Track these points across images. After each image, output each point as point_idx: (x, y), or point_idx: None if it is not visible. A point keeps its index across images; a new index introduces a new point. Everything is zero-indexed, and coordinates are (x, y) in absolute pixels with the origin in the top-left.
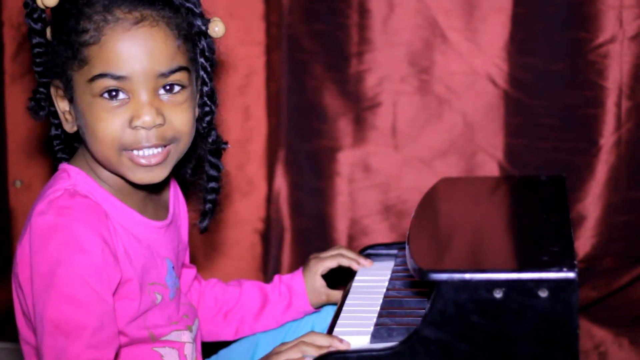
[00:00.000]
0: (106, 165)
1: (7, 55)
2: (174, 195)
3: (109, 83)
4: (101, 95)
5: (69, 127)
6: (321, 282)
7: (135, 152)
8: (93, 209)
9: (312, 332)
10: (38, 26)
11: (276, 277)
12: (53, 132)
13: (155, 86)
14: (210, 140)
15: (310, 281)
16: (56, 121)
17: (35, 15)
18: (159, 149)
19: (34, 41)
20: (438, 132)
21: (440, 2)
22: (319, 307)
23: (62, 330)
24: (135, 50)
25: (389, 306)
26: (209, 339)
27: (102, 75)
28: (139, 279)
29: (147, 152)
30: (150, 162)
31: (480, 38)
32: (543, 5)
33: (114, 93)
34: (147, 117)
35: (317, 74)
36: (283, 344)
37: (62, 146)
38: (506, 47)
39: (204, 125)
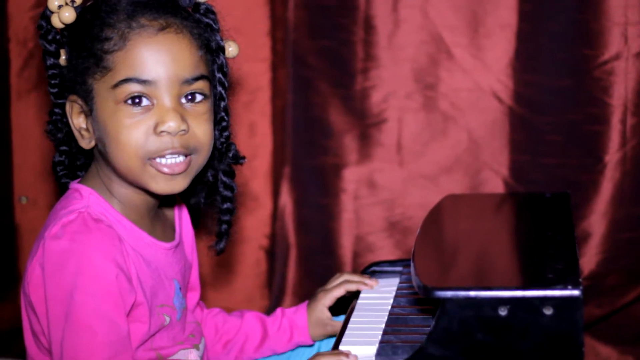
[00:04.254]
0: (127, 176)
1: (13, 71)
2: (179, 215)
3: (134, 88)
4: (125, 101)
5: (86, 143)
6: (327, 315)
7: (158, 159)
8: (107, 234)
9: (318, 353)
10: (52, 47)
11: (279, 310)
12: (57, 158)
13: (179, 93)
14: (230, 154)
15: (317, 313)
16: (62, 147)
17: (50, 37)
18: (182, 158)
19: (49, 62)
20: (443, 148)
21: (445, 19)
22: (323, 339)
23: (79, 359)
24: (160, 56)
25: (393, 323)
26: None
27: (127, 80)
28: (149, 302)
29: (171, 160)
30: (174, 170)
31: (485, 54)
32: (548, 22)
33: (137, 100)
34: (172, 123)
35: (322, 91)
36: None
37: (66, 172)
38: (511, 64)
39: (222, 140)
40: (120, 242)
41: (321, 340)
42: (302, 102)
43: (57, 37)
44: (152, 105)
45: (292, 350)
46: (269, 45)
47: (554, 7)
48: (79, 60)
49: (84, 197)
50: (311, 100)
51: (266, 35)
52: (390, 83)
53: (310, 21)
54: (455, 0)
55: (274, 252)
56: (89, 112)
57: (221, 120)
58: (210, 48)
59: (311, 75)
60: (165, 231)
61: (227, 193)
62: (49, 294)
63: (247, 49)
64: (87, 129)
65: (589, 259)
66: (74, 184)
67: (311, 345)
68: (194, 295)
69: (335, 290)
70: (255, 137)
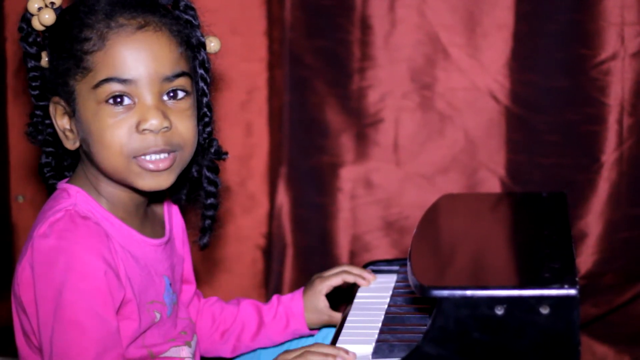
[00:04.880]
0: (113, 175)
1: (9, 70)
2: (168, 211)
3: (115, 88)
4: (106, 101)
5: (71, 144)
6: (324, 303)
7: (143, 157)
8: (94, 231)
9: (317, 343)
10: (33, 50)
11: (274, 298)
12: (43, 160)
13: (161, 90)
14: (212, 150)
15: (313, 301)
16: (48, 149)
17: (31, 39)
18: (166, 154)
19: (30, 65)
20: (440, 148)
21: (441, 19)
22: (319, 328)
23: (69, 356)
24: (140, 54)
25: (390, 322)
26: (206, 354)
27: (107, 80)
28: (138, 299)
29: (155, 157)
30: (159, 166)
31: (482, 54)
32: (545, 22)
33: (119, 99)
34: (154, 120)
35: (319, 90)
36: (287, 351)
37: (53, 173)
38: (508, 64)
39: (205, 136)
40: (108, 239)
41: (320, 328)
42: (298, 102)
43: (38, 39)
44: (133, 104)
45: (291, 341)
46: (266, 45)
47: (550, 7)
48: (60, 62)
49: (72, 195)
50: (308, 100)
51: (263, 35)
52: (386, 83)
53: (307, 21)
54: (452, 1)
55: (270, 252)
56: (72, 113)
57: (204, 116)
58: (190, 44)
59: (308, 75)
60: (154, 228)
61: (211, 188)
62: (39, 292)
63: (244, 48)
64: (71, 130)
65: (585, 259)
66: (62, 184)
67: (312, 336)
68: (189, 288)
69: (332, 279)
70: (252, 137)
